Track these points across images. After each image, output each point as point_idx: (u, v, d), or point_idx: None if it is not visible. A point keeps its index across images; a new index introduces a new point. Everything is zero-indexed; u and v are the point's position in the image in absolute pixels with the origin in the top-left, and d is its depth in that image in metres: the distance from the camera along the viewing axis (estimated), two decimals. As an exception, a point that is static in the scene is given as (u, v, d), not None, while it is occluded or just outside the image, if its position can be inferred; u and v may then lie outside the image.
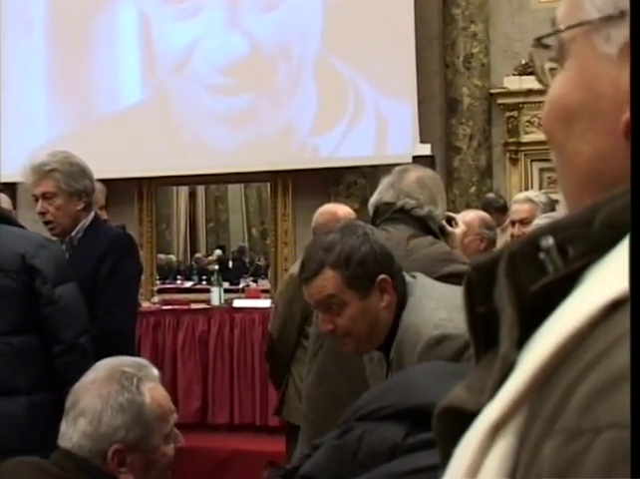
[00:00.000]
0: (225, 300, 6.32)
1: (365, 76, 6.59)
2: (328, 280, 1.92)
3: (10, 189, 7.48)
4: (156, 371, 1.77)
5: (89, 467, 1.65)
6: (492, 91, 6.79)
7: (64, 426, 1.71)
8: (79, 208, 3.04)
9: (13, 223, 2.86)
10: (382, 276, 1.93)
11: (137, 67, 7.40)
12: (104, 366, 1.75)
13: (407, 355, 1.89)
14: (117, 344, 2.79)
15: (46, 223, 3.06)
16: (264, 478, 2.79)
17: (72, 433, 1.68)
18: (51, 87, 7.75)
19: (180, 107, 7.21)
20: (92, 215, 3.12)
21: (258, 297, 6.55)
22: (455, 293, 2.02)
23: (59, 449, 1.71)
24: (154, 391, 1.71)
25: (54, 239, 3.08)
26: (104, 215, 4.13)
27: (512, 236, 4.08)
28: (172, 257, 9.12)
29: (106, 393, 1.66)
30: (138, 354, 3.28)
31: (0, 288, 2.54)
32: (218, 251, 9.38)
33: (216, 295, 6.29)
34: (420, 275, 2.06)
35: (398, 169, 2.70)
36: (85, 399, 1.68)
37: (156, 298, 6.84)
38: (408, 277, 2.01)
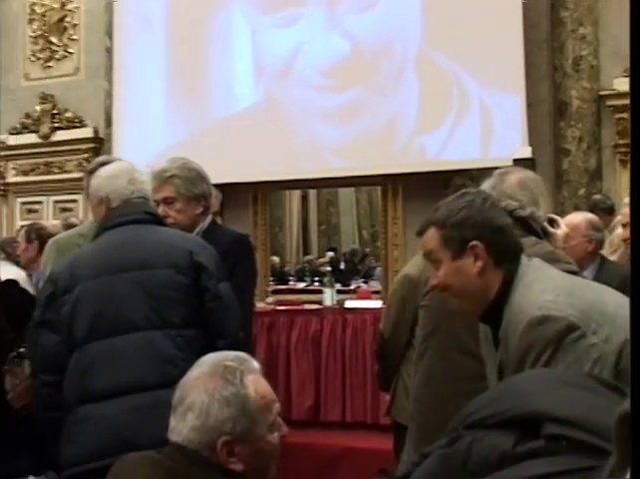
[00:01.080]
0: (337, 301, 6.38)
1: (470, 74, 6.56)
2: (429, 237, 2.05)
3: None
4: (256, 364, 1.81)
5: (198, 459, 1.69)
6: (602, 93, 6.62)
7: (173, 421, 1.76)
8: (197, 211, 3.11)
9: (165, 224, 2.91)
10: (474, 242, 1.98)
11: (248, 71, 7.58)
12: (207, 362, 1.79)
13: (511, 335, 1.91)
14: (234, 342, 2.81)
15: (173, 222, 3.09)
16: (375, 485, 2.82)
17: (181, 427, 1.72)
18: (170, 88, 8.00)
19: (289, 111, 7.33)
20: (209, 218, 3.19)
21: (369, 298, 6.58)
22: (567, 279, 2.03)
23: (170, 443, 1.75)
24: (256, 383, 1.75)
25: None
26: (217, 220, 4.22)
27: (624, 239, 3.98)
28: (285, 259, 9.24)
29: (211, 388, 1.71)
30: (254, 354, 3.32)
31: (174, 283, 2.59)
32: (330, 253, 9.45)
33: (329, 296, 6.35)
34: (536, 259, 2.06)
35: (499, 171, 2.69)
36: (192, 395, 1.73)
37: (270, 299, 6.96)
38: (524, 259, 2.03)
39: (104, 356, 2.55)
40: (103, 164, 3.15)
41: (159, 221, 2.82)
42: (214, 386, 1.71)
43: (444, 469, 1.38)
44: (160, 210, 3.07)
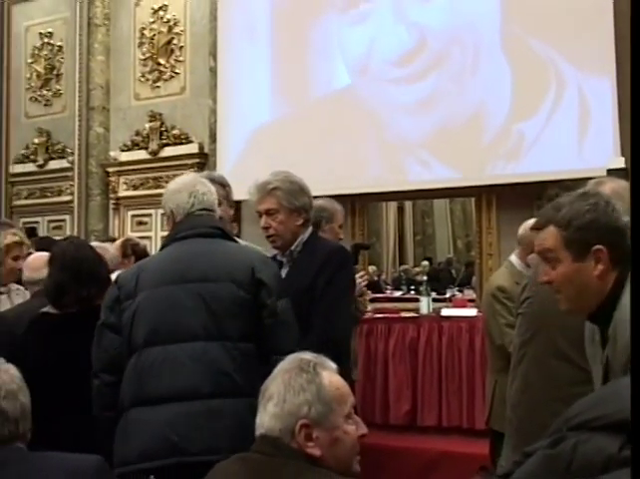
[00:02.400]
0: (433, 309, 6.41)
1: (565, 59, 6.49)
2: (549, 236, 2.02)
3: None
4: (333, 364, 1.87)
5: (281, 445, 1.75)
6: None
7: (258, 417, 1.83)
8: (298, 223, 3.13)
9: (232, 239, 2.93)
10: (598, 246, 1.96)
11: (343, 77, 7.72)
12: (287, 360, 1.87)
13: (621, 334, 1.90)
14: (334, 351, 2.85)
15: (269, 236, 3.15)
16: (476, 482, 2.82)
17: (264, 418, 1.80)
18: (272, 105, 8.22)
19: (377, 111, 7.40)
20: (310, 230, 3.20)
21: (465, 307, 6.59)
22: None
23: (256, 437, 1.83)
24: (330, 376, 1.83)
25: (273, 252, 3.23)
26: (340, 233, 4.32)
27: None
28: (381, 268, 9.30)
29: (287, 377, 1.80)
30: (352, 360, 3.36)
31: (234, 298, 2.62)
32: (425, 263, 9.48)
33: (425, 304, 6.38)
34: None
35: (593, 181, 2.67)
36: (271, 387, 1.81)
37: (368, 307, 7.03)
38: None
39: (160, 362, 2.60)
40: None
41: (224, 234, 2.85)
42: (290, 375, 1.80)
43: (547, 469, 1.38)
44: (263, 221, 3.14)
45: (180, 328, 2.60)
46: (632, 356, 0.92)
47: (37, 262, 3.59)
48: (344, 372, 2.82)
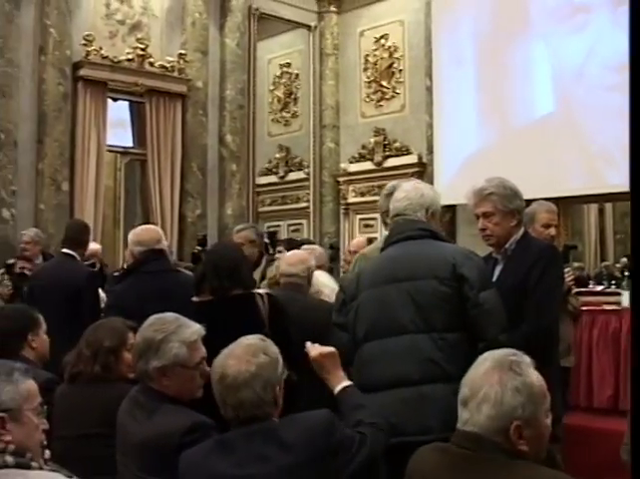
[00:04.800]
0: (634, 302, 6.58)
1: None
2: None
3: (450, 210, 8.73)
4: (528, 358, 1.85)
5: (490, 444, 1.75)
6: None
7: (466, 413, 1.80)
8: (512, 224, 3.14)
9: (442, 239, 2.99)
10: None
11: (547, 90, 8.08)
12: (490, 359, 1.84)
13: None
14: (544, 340, 2.99)
15: (485, 236, 3.20)
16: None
17: (477, 418, 1.77)
18: (479, 117, 8.76)
19: (586, 120, 7.69)
20: (522, 230, 3.21)
21: (669, 299, 6.67)
22: None
23: (461, 432, 1.81)
24: (535, 374, 1.81)
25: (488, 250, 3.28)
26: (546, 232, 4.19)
27: None
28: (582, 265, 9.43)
29: (503, 379, 1.76)
30: (556, 350, 3.36)
31: (438, 293, 2.69)
32: (624, 259, 9.53)
33: (626, 298, 6.35)
34: None
35: None
36: (484, 388, 1.77)
37: (579, 304, 7.17)
38: None
39: (378, 355, 2.73)
40: (395, 187, 3.35)
41: (432, 235, 2.90)
42: (506, 378, 1.76)
43: None
44: (480, 223, 3.18)
45: (392, 324, 2.71)
46: (632, 356, 1.14)
47: (293, 259, 3.80)
48: (553, 359, 3.09)
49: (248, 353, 2.08)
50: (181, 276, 3.98)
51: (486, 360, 1.83)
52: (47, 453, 1.86)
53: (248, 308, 3.14)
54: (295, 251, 4.06)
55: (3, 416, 1.70)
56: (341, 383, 2.43)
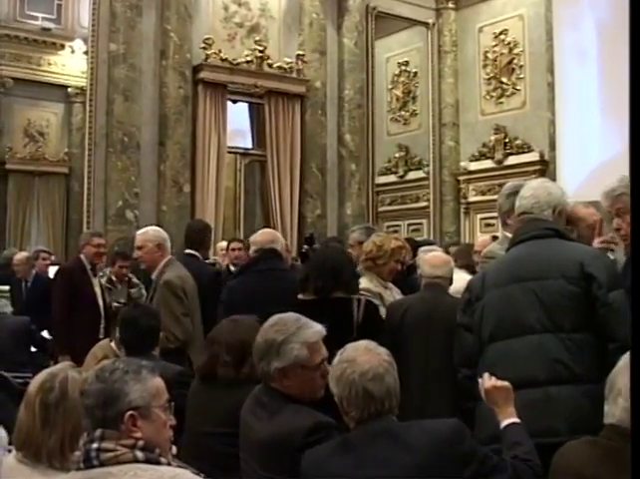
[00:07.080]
0: None
1: None
2: None
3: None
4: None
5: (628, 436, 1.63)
6: None
7: (607, 407, 1.85)
8: None
9: (568, 238, 2.91)
10: None
11: None
12: (626, 356, 1.82)
13: None
14: None
15: (621, 237, 3.11)
16: None
17: (614, 410, 1.81)
18: (603, 113, 8.52)
19: None
20: None
21: None
22: None
23: (605, 425, 1.85)
24: None
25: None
26: None
27: None
28: None
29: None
30: None
31: (565, 292, 2.64)
32: None
33: None
34: None
35: None
36: (618, 382, 1.81)
37: None
38: None
39: (503, 355, 2.69)
40: (515, 187, 3.30)
41: (558, 234, 2.84)
42: None
43: None
44: (614, 223, 3.12)
45: (518, 323, 2.68)
46: (632, 356, 1.16)
47: (435, 260, 3.83)
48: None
49: (373, 351, 2.12)
50: (289, 275, 4.09)
51: (624, 358, 1.85)
52: (174, 449, 1.90)
53: (342, 312, 3.19)
54: (436, 253, 4.08)
55: (134, 414, 1.75)
56: (508, 419, 2.38)
